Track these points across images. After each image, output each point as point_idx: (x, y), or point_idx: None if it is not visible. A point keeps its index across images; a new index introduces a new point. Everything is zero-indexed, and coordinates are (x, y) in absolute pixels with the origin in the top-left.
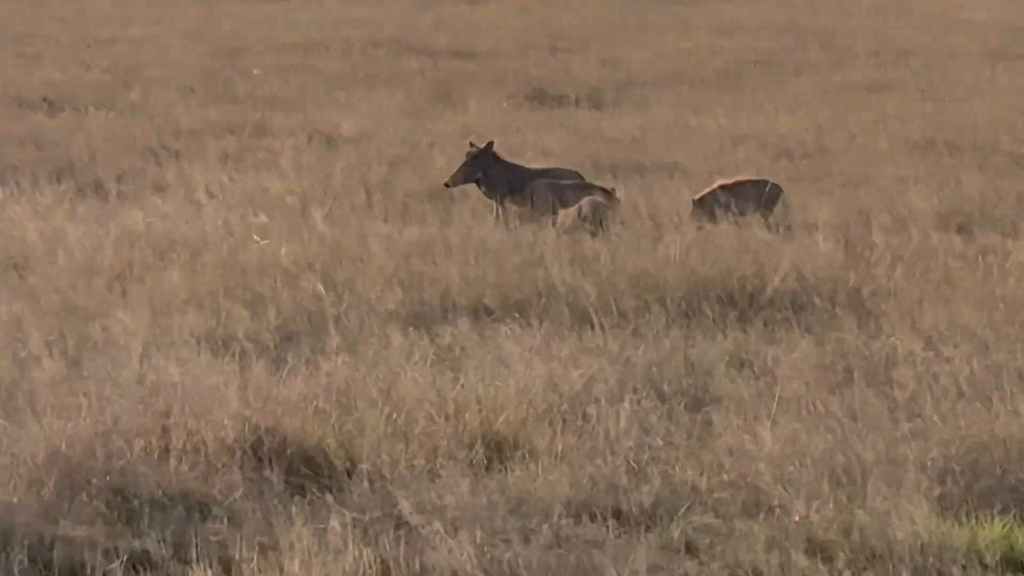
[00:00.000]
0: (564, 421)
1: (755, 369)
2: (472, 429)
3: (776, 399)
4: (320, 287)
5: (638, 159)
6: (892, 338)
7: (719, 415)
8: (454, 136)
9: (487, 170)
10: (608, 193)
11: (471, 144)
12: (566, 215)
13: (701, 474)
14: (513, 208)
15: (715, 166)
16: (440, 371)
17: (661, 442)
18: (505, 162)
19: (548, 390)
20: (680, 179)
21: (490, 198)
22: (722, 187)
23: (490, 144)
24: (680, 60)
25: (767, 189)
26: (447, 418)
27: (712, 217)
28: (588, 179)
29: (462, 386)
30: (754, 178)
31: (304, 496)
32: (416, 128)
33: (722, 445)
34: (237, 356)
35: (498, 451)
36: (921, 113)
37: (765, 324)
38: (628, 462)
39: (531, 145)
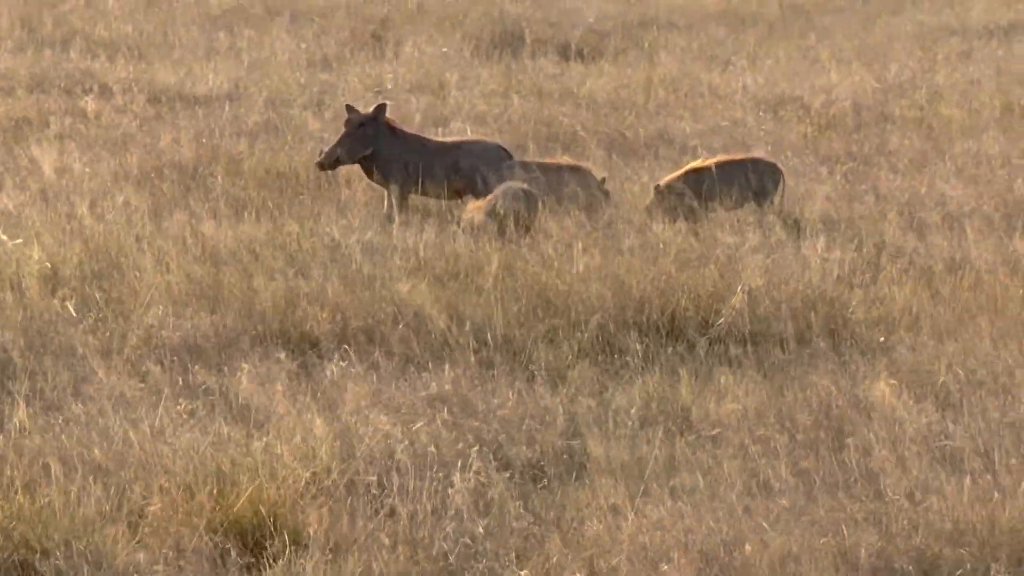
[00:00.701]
0: (359, 498)
1: (669, 427)
2: (223, 510)
3: (649, 470)
4: (69, 305)
5: (615, 130)
6: (878, 383)
7: (584, 492)
8: (367, 95)
9: (377, 144)
10: (583, 175)
11: (349, 108)
12: (476, 209)
13: None
14: (411, 197)
15: (722, 141)
16: (203, 426)
17: (482, 530)
18: (402, 133)
19: (344, 454)
20: (663, 160)
21: (381, 184)
22: (696, 171)
23: (380, 108)
24: None
25: (760, 172)
26: (191, 494)
27: (682, 210)
28: (516, 155)
29: (227, 449)
30: (743, 157)
31: None
32: (316, 84)
33: (575, 536)
34: None
35: (252, 541)
36: None
37: (703, 364)
38: (440, 558)
39: (466, 112)
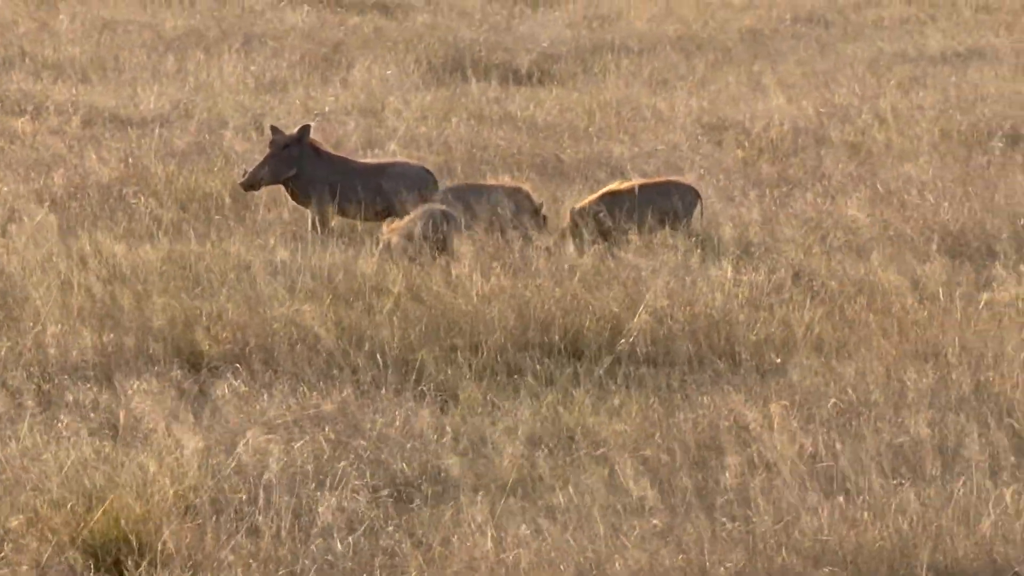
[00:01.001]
0: (224, 516)
1: (553, 447)
2: (86, 526)
3: (521, 489)
4: None
5: (551, 153)
6: (768, 405)
7: (453, 511)
8: (306, 118)
9: (301, 166)
10: (520, 196)
11: (274, 129)
12: (394, 230)
13: None
14: (333, 218)
15: (657, 165)
16: (81, 443)
17: (346, 549)
18: (326, 154)
19: (216, 472)
20: (594, 184)
21: (304, 205)
22: (613, 193)
23: (304, 129)
24: (700, 18)
25: (676, 195)
26: (57, 510)
27: (600, 232)
28: (446, 176)
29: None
30: (661, 180)
31: None
32: (258, 106)
33: (440, 555)
34: None
35: (111, 559)
36: (1011, 91)
37: (601, 384)
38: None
39: (404, 135)
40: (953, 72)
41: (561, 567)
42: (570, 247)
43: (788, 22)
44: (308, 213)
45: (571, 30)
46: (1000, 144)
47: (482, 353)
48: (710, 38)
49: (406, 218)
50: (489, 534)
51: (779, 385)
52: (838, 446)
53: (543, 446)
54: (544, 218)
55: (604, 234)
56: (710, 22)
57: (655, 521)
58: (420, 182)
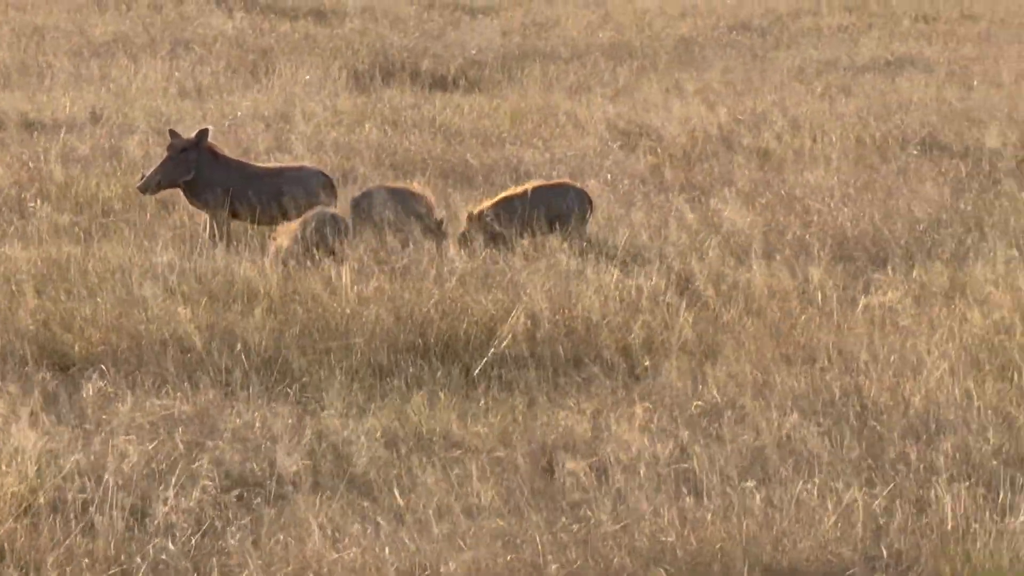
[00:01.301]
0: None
1: (407, 448)
2: None
3: (364, 491)
4: None
5: (461, 159)
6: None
7: (293, 512)
8: (220, 121)
9: (198, 169)
10: (420, 199)
11: (172, 133)
12: (285, 233)
13: None
14: (228, 221)
15: (565, 170)
16: None
17: (182, 548)
18: (224, 158)
19: (55, 472)
20: (499, 189)
21: (201, 208)
22: (508, 198)
23: (202, 133)
24: (636, 25)
25: (568, 199)
26: None
27: (492, 236)
28: (348, 181)
29: None
30: (554, 183)
31: None
32: (174, 112)
33: (278, 555)
34: None
35: None
36: (936, 99)
37: (473, 387)
38: (133, 574)
39: (317, 140)
40: (882, 80)
41: (395, 567)
42: (451, 250)
43: (724, 30)
44: (204, 217)
45: (505, 37)
46: (915, 152)
47: (355, 355)
48: (643, 46)
49: (296, 221)
50: (327, 534)
51: (647, 387)
52: (696, 448)
53: (400, 447)
54: (441, 222)
55: (496, 238)
56: (646, 30)
57: (497, 522)
58: (317, 186)
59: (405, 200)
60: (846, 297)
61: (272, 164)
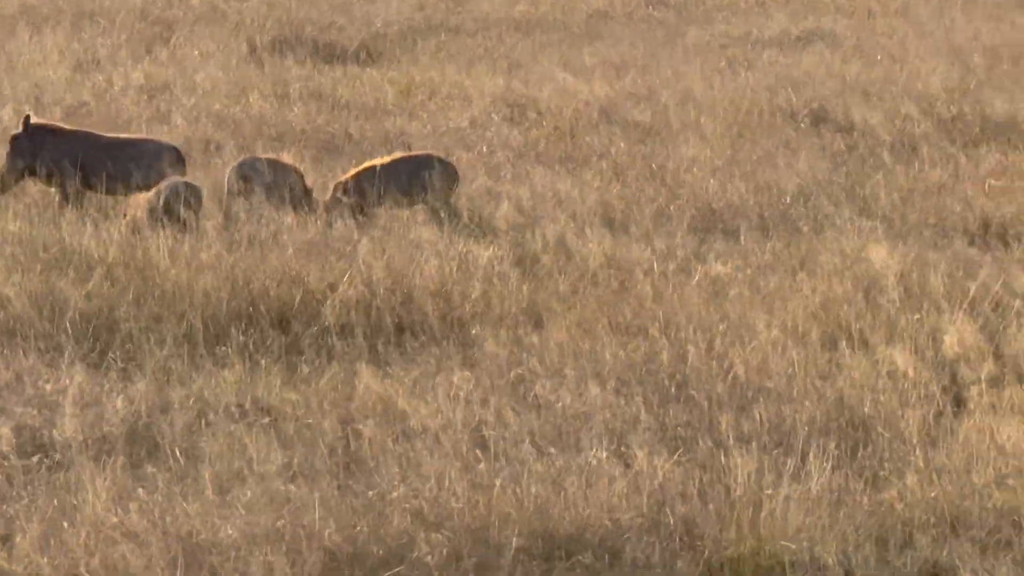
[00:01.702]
0: None
1: (207, 418)
2: None
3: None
4: None
5: (342, 130)
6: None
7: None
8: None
9: (39, 150)
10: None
11: (26, 120)
12: (138, 204)
13: None
14: (76, 190)
15: (445, 142)
16: None
17: None
18: (66, 132)
19: None
20: (370, 159)
21: (59, 185)
22: (372, 168)
23: (25, 120)
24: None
25: (430, 170)
26: None
27: (356, 206)
28: (210, 153)
29: None
30: (418, 154)
31: None
32: (65, 83)
33: (53, 516)
34: None
35: None
36: (835, 74)
37: (298, 354)
38: None
39: (198, 111)
40: (787, 55)
41: (173, 533)
42: (288, 218)
43: (640, 4)
44: (66, 192)
45: (420, 12)
46: (804, 124)
47: (186, 323)
48: (555, 20)
49: (150, 191)
50: (110, 498)
51: (472, 356)
52: (503, 416)
53: (209, 415)
54: (309, 192)
55: (359, 207)
56: (560, 4)
57: (282, 488)
58: (164, 159)
59: (276, 170)
60: (684, 268)
61: (122, 135)
